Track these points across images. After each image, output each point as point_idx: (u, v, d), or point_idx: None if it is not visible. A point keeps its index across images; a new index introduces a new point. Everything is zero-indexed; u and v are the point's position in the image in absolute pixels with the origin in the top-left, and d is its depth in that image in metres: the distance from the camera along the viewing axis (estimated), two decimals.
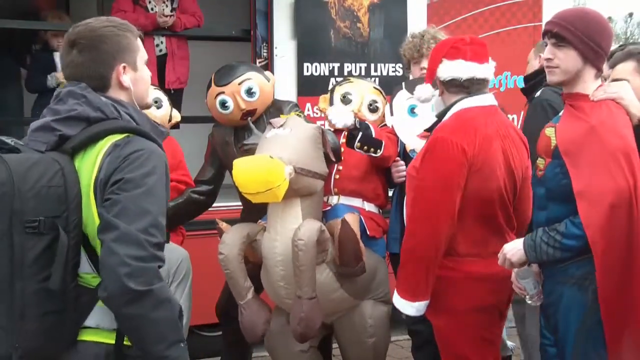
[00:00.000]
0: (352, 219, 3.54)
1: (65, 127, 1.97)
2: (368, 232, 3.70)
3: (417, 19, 5.21)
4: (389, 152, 3.63)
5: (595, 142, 2.54)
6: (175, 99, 4.93)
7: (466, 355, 2.96)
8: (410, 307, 2.92)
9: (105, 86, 2.06)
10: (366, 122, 3.64)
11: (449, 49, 2.96)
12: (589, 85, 2.67)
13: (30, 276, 1.83)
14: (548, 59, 2.69)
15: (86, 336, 1.95)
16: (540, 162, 2.74)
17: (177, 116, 4.12)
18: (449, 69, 2.94)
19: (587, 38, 2.62)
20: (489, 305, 2.97)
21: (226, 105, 3.83)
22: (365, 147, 3.54)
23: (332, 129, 3.73)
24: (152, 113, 3.97)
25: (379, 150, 3.57)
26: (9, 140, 1.98)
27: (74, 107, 1.97)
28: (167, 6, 5.41)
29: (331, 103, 3.88)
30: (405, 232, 2.99)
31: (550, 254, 2.62)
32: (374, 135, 3.56)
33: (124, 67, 2.07)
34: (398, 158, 3.73)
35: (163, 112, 3.99)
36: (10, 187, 1.81)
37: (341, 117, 3.56)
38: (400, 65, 5.07)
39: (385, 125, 3.87)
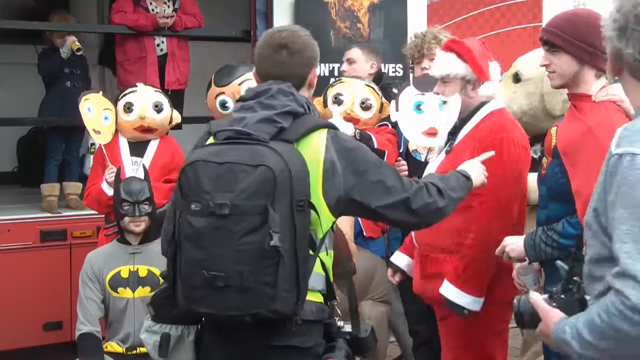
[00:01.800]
0: (343, 219, 3.54)
1: (282, 119, 2.27)
2: (365, 233, 3.70)
3: (417, 20, 5.20)
4: (391, 161, 3.63)
5: (590, 143, 2.55)
6: (175, 100, 4.94)
7: (490, 348, 3.02)
8: (476, 303, 2.93)
9: (302, 85, 2.40)
10: (368, 133, 3.63)
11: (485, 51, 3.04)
12: (591, 85, 2.68)
13: (301, 246, 2.18)
14: (545, 65, 2.73)
15: (308, 296, 2.27)
16: (544, 160, 2.77)
17: (177, 117, 4.13)
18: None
19: (577, 40, 2.63)
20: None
21: (226, 105, 3.84)
22: None
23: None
24: (153, 117, 3.98)
25: None
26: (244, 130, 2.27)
27: (287, 103, 2.29)
28: (168, 7, 5.42)
29: (325, 105, 3.87)
30: (465, 229, 2.96)
31: (548, 253, 2.64)
32: (376, 147, 3.56)
33: (315, 71, 2.45)
34: (400, 158, 3.72)
35: (164, 116, 4.01)
36: (289, 174, 2.15)
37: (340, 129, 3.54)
38: (401, 66, 5.07)
39: (385, 124, 3.86)
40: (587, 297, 1.77)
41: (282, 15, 4.99)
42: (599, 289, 1.68)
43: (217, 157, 2.19)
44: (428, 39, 3.72)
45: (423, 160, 3.65)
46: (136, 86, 4.15)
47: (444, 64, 3.02)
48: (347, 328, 2.40)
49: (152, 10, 5.36)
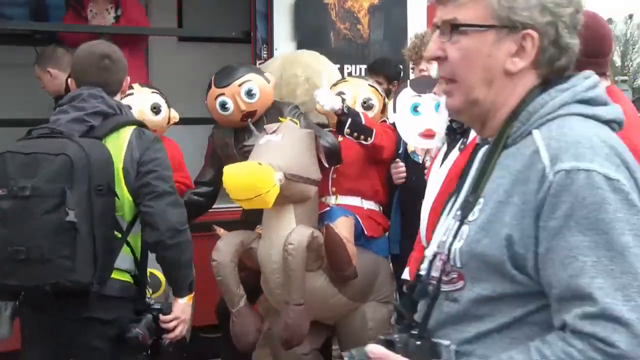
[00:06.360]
0: (342, 223, 3.53)
1: (92, 119, 2.63)
2: (366, 232, 3.69)
3: (417, 21, 5.20)
4: (381, 141, 3.61)
5: None
6: None
7: None
8: None
9: (118, 90, 2.81)
10: (356, 109, 3.63)
11: None
12: None
13: (99, 225, 2.50)
14: None
15: (113, 275, 2.63)
16: None
17: (175, 116, 4.13)
18: None
19: None
20: None
21: (226, 106, 3.83)
22: (355, 134, 3.54)
23: (332, 129, 3.73)
24: (151, 120, 3.98)
25: (369, 138, 3.56)
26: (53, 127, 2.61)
27: (97, 105, 2.65)
28: (109, 13, 5.09)
29: None
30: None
31: None
32: (363, 122, 3.56)
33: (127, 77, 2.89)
34: (398, 160, 3.72)
35: (162, 116, 4.01)
36: (87, 162, 2.48)
37: (330, 100, 3.49)
38: (400, 67, 5.07)
39: (385, 122, 3.87)
40: (444, 342, 1.42)
41: (282, 16, 4.98)
42: (476, 331, 1.39)
43: (25, 148, 2.52)
44: (427, 40, 3.70)
45: (421, 162, 3.64)
46: (132, 88, 4.14)
47: None
48: (157, 305, 2.74)
49: (94, 16, 5.06)
